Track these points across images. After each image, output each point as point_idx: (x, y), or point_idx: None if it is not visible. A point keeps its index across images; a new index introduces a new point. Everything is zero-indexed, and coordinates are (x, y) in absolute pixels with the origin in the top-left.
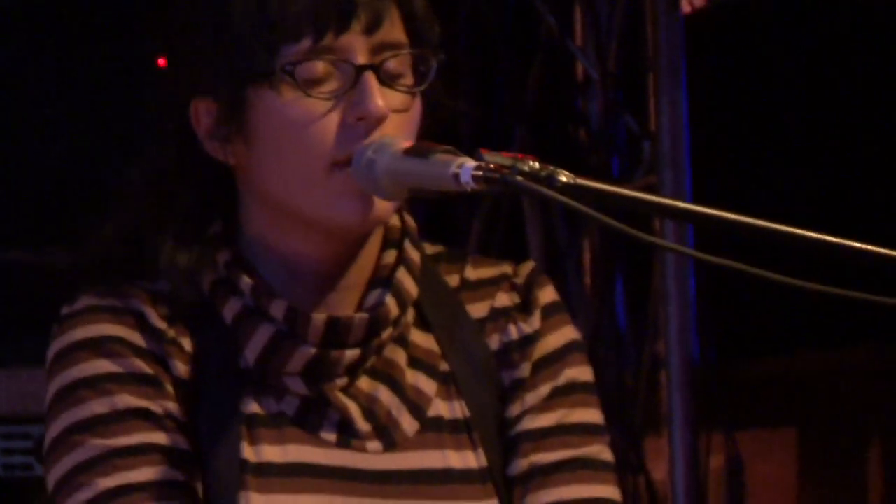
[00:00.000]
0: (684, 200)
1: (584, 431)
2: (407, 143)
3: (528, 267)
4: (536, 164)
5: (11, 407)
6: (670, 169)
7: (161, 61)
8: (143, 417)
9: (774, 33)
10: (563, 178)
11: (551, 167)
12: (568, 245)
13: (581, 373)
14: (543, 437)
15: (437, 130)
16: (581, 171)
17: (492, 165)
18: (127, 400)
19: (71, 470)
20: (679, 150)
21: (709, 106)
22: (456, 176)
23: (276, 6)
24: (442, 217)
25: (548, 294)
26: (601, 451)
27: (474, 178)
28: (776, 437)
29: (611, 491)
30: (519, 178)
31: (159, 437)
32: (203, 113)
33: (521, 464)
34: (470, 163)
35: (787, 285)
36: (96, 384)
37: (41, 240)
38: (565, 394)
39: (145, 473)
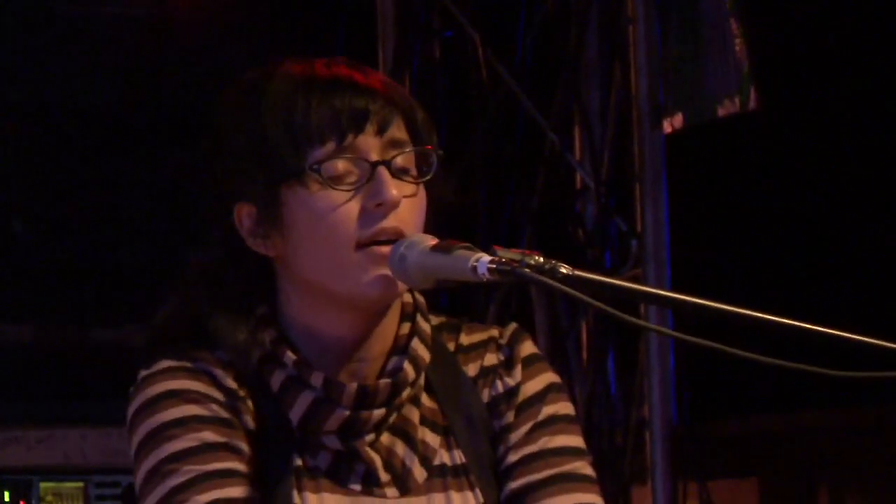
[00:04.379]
0: (665, 289)
1: (566, 453)
2: (433, 241)
3: (510, 328)
4: (541, 259)
5: (103, 460)
6: (653, 263)
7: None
8: (228, 450)
9: (743, 148)
10: (564, 271)
11: (554, 261)
12: (568, 326)
13: (560, 408)
14: (530, 461)
15: (456, 230)
16: (579, 264)
17: (504, 259)
18: (212, 436)
19: (169, 491)
20: (661, 247)
21: (686, 210)
22: (474, 269)
23: (302, 116)
24: (462, 303)
25: (526, 348)
26: (583, 466)
27: (489, 270)
28: (742, 485)
29: (596, 499)
30: (526, 270)
31: (241, 466)
32: (245, 216)
33: (513, 487)
34: (485, 257)
35: (749, 360)
36: (185, 424)
37: (121, 319)
38: (546, 426)
39: (234, 492)
